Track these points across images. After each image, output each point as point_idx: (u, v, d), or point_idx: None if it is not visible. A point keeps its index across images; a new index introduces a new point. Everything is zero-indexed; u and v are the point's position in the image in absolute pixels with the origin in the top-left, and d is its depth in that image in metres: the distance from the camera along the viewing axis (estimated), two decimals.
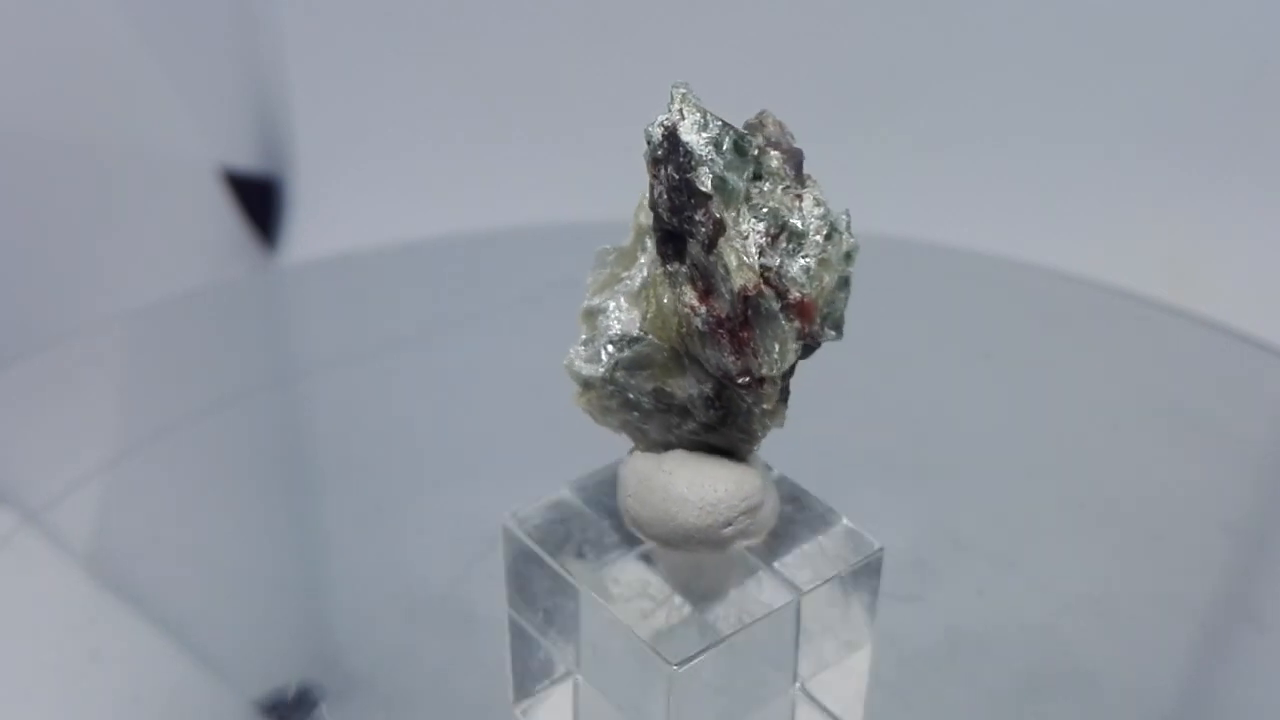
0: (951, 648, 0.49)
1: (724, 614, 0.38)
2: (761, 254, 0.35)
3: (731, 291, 0.34)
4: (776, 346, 0.35)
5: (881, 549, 0.39)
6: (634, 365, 0.37)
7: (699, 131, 0.34)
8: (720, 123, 0.35)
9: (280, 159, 0.96)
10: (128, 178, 0.89)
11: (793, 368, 0.36)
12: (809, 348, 0.36)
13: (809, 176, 0.36)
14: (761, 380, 0.35)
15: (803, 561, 0.39)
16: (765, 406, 0.36)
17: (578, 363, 0.38)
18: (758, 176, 0.35)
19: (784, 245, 0.35)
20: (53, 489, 0.58)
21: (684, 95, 0.35)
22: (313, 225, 0.95)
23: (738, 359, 0.35)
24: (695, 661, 0.36)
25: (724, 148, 0.34)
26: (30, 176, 0.85)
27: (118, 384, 0.66)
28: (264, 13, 0.93)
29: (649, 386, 0.37)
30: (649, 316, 0.37)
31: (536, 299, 0.70)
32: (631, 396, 0.38)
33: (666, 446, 0.38)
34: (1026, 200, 0.93)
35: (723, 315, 0.35)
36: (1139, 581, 0.53)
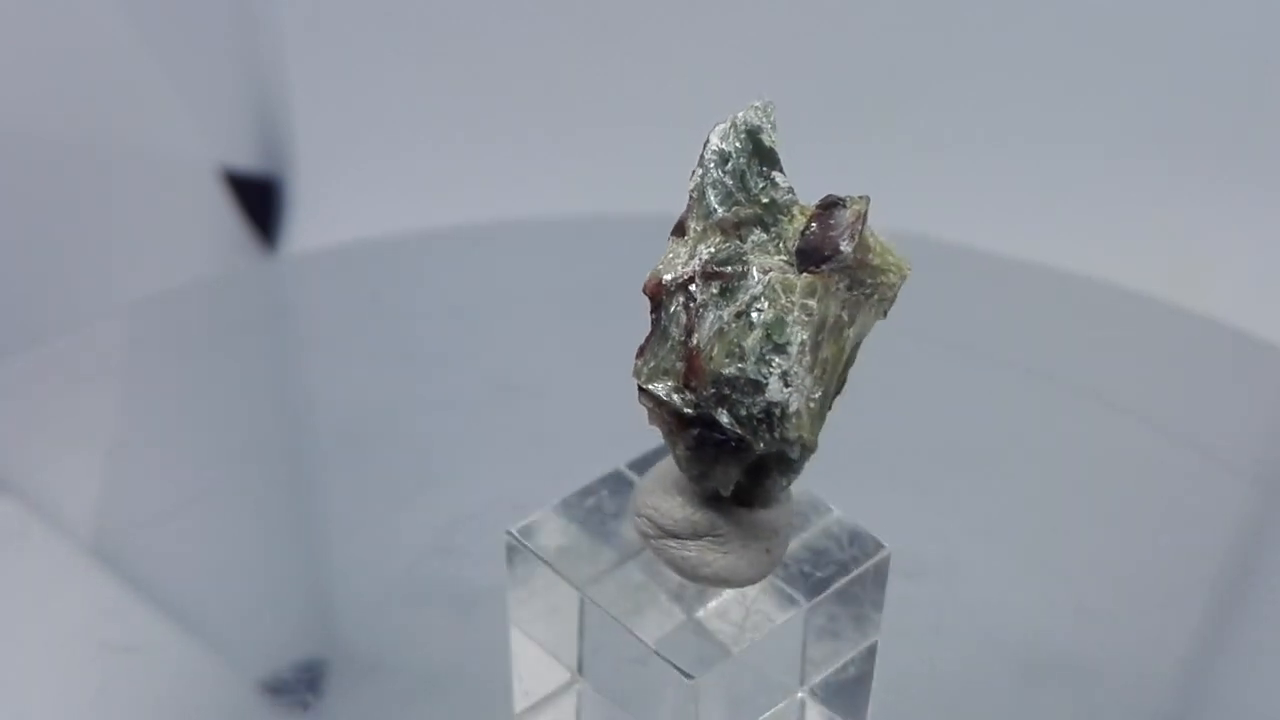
0: (950, 642, 0.49)
1: (729, 622, 0.37)
2: (691, 281, 0.33)
3: None
4: (652, 363, 0.34)
5: (888, 552, 0.39)
6: None
7: (719, 140, 0.34)
8: (743, 146, 0.34)
9: (280, 159, 0.96)
10: (127, 177, 0.89)
11: (707, 437, 0.34)
12: (713, 435, 0.34)
13: (817, 274, 0.33)
14: (640, 389, 0.34)
15: (810, 565, 0.38)
16: (653, 425, 0.35)
17: None
18: (763, 225, 0.34)
19: (714, 291, 0.33)
20: (56, 477, 0.58)
21: (753, 108, 0.34)
22: (313, 225, 0.95)
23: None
24: (710, 673, 0.36)
25: (728, 168, 0.34)
26: (30, 175, 0.85)
27: (120, 374, 0.66)
28: (264, 13, 0.93)
29: None
30: None
31: (539, 292, 0.70)
32: None
33: None
34: (1026, 198, 0.93)
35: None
36: (1139, 575, 0.53)
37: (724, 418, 0.33)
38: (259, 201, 0.95)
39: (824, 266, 0.33)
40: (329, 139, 0.95)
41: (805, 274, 0.33)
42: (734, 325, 0.33)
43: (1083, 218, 0.92)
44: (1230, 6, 0.90)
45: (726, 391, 0.33)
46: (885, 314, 0.34)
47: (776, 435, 0.33)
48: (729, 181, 0.34)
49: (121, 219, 0.89)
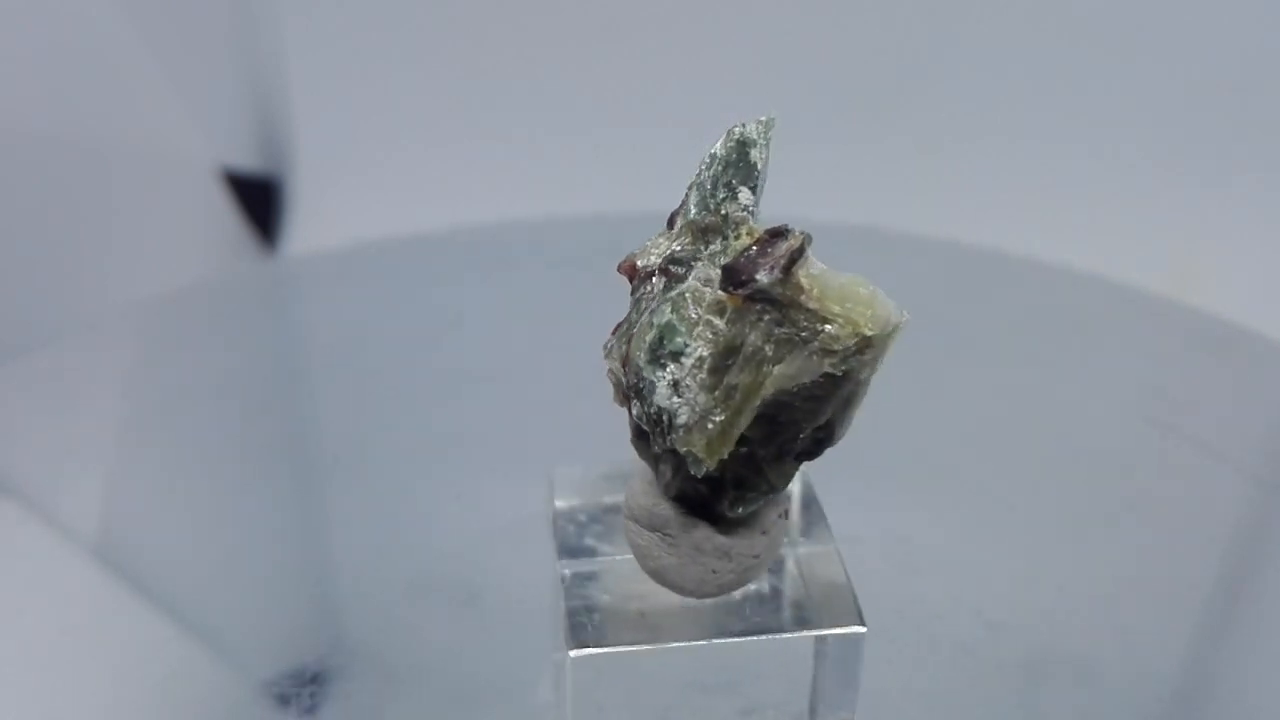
0: (949, 641, 0.49)
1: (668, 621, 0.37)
2: (653, 274, 0.34)
3: None
4: (614, 341, 0.35)
5: (863, 633, 0.37)
6: None
7: (719, 144, 0.34)
8: (727, 155, 0.34)
9: (280, 159, 0.96)
10: (127, 177, 0.89)
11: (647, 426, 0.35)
12: (640, 429, 0.35)
13: (731, 296, 0.33)
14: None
15: (770, 603, 0.38)
16: (614, 403, 0.36)
17: None
18: (723, 236, 0.34)
19: (661, 286, 0.34)
20: (57, 479, 0.58)
21: (757, 122, 0.34)
22: (313, 225, 0.95)
23: None
24: (592, 655, 0.36)
25: (711, 170, 0.34)
26: (29, 175, 0.85)
27: (120, 374, 0.66)
28: (264, 13, 0.93)
29: None
30: None
31: (539, 292, 0.70)
32: None
33: None
34: (1027, 197, 0.93)
35: None
36: (1140, 574, 0.53)
37: (635, 409, 0.34)
38: (259, 201, 0.95)
39: (739, 290, 0.32)
40: (329, 139, 0.95)
41: (719, 292, 0.33)
42: (647, 319, 0.33)
43: (1083, 215, 0.92)
44: (1230, 6, 0.90)
45: (640, 385, 0.33)
46: (842, 371, 0.32)
47: (668, 442, 0.33)
48: (710, 189, 0.34)
49: (121, 219, 0.89)
